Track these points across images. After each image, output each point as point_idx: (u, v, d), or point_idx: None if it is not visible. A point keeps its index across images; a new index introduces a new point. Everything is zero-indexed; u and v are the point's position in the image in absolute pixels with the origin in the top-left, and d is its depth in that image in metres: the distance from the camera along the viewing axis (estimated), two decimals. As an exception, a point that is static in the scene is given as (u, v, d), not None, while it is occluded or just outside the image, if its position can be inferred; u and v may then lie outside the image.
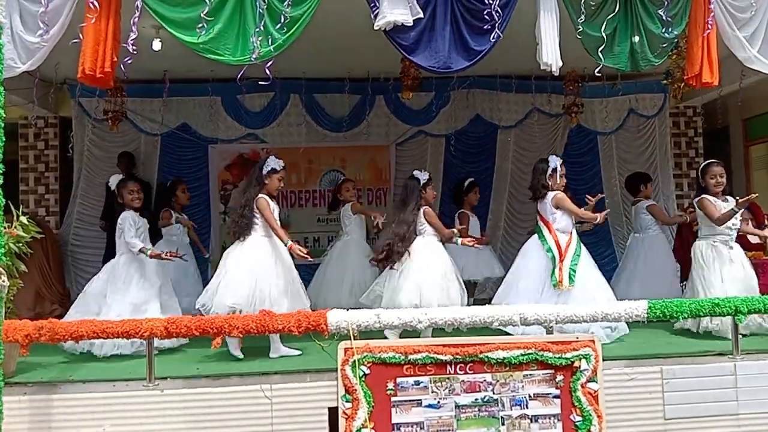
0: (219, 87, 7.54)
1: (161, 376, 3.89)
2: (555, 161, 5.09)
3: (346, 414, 3.69)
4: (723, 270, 4.95)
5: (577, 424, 3.77)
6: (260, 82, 4.01)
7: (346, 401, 3.70)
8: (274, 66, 4.00)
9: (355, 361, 3.72)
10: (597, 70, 4.34)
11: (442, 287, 4.81)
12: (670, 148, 8.50)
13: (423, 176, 5.08)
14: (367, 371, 3.74)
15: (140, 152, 7.78)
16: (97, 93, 7.14)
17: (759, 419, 3.99)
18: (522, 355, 3.79)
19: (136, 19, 3.87)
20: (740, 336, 4.27)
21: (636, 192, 6.77)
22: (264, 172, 4.72)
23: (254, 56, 3.83)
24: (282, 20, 3.83)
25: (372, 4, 3.98)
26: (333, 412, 3.77)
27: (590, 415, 3.77)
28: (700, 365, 4.09)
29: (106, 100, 7.26)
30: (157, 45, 5.85)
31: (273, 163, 4.74)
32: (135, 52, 3.85)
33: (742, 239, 6.74)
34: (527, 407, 3.81)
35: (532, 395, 3.82)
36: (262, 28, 3.84)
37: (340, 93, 7.83)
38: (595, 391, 3.81)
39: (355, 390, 3.70)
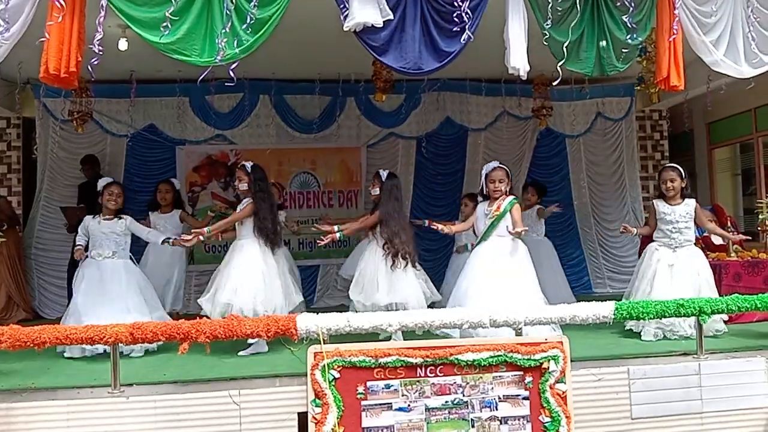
0: (187, 87, 7.43)
1: (126, 383, 3.81)
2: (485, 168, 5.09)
3: (315, 419, 3.66)
4: (657, 271, 5.07)
5: (546, 425, 3.79)
6: (227, 84, 3.95)
7: (316, 406, 3.67)
8: (243, 67, 3.96)
9: (325, 365, 3.69)
10: (557, 81, 4.39)
11: None
12: (637, 151, 8.68)
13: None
14: (337, 375, 3.71)
15: (106, 154, 7.63)
16: (62, 94, 6.98)
17: (722, 417, 4.07)
18: (491, 357, 3.80)
19: (102, 18, 3.79)
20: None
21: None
22: None
23: (219, 57, 3.78)
24: (249, 21, 3.78)
25: (341, 6, 3.96)
26: (302, 417, 3.73)
27: (559, 416, 3.80)
28: (665, 365, 4.16)
29: (71, 100, 7.11)
30: (123, 45, 5.75)
31: None
32: (102, 53, 3.76)
33: (705, 240, 6.90)
34: (497, 409, 3.81)
35: (501, 397, 3.83)
36: (228, 29, 3.78)
37: (310, 94, 7.81)
38: (564, 392, 3.84)
39: (325, 394, 3.67)
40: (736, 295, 4.34)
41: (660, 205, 5.16)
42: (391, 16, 3.97)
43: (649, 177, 8.80)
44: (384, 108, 7.86)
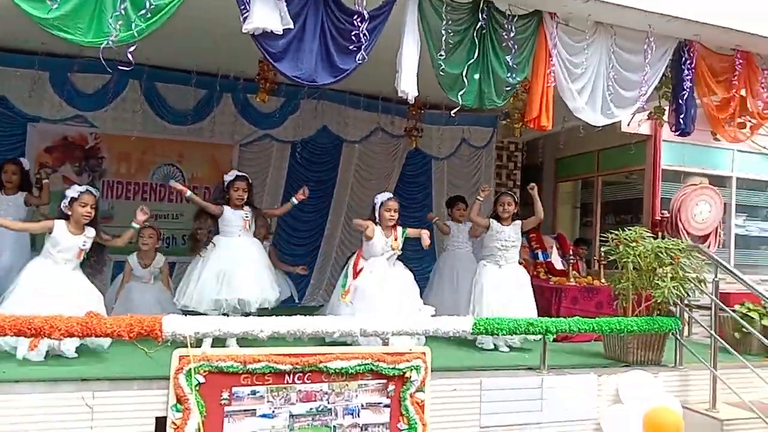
0: (48, 61, 6.84)
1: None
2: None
3: (175, 424, 3.55)
4: (485, 288, 5.60)
5: (403, 432, 3.98)
6: (120, 67, 3.70)
7: (177, 411, 3.56)
8: (115, 48, 3.73)
9: (190, 369, 3.59)
10: (454, 111, 4.67)
11: None
12: (493, 178, 9.32)
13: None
14: (202, 380, 3.62)
15: (-58, 124, 6.80)
16: None
17: (559, 428, 4.50)
18: (359, 365, 3.92)
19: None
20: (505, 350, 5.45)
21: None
22: None
23: (112, 39, 3.57)
24: (147, 6, 3.60)
25: (242, 7, 3.89)
26: (161, 422, 3.60)
27: (416, 423, 4.00)
28: (513, 378, 4.53)
29: None
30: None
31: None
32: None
33: (548, 265, 7.60)
34: (359, 416, 3.94)
35: (364, 404, 3.96)
36: (122, 11, 3.58)
37: (185, 85, 7.48)
38: (422, 401, 4.05)
39: (188, 399, 3.56)
40: (578, 318, 4.84)
41: (494, 224, 5.75)
42: (292, 26, 3.97)
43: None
44: (261, 109, 7.72)
